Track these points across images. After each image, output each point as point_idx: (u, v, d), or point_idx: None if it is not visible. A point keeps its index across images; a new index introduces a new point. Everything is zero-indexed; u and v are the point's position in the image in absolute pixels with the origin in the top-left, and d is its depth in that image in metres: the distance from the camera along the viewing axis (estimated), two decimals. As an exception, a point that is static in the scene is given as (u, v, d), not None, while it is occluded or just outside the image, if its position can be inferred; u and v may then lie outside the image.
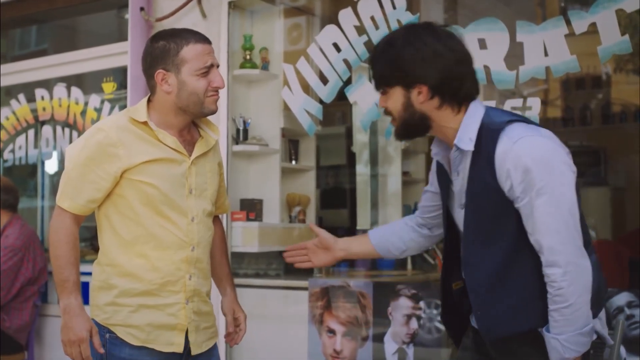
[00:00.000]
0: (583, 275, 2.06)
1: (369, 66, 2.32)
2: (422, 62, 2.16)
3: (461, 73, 2.20)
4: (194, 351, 2.67)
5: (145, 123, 2.59)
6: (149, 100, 2.67)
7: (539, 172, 2.06)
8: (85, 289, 2.75)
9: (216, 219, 2.91)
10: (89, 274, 2.76)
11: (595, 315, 2.15)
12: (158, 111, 2.63)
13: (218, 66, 2.64)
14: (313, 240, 2.65)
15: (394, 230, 2.63)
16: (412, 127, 2.25)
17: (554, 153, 2.10)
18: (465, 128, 2.19)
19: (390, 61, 2.20)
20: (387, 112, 2.29)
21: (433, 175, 2.46)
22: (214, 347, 2.80)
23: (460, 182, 2.24)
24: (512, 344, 2.20)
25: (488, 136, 2.14)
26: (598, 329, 2.19)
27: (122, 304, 2.61)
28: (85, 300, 2.66)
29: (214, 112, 2.65)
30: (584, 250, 2.09)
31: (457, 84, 2.19)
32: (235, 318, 2.87)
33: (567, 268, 2.04)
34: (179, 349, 2.63)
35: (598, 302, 2.19)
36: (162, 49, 2.57)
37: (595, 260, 2.18)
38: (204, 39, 2.61)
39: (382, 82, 2.25)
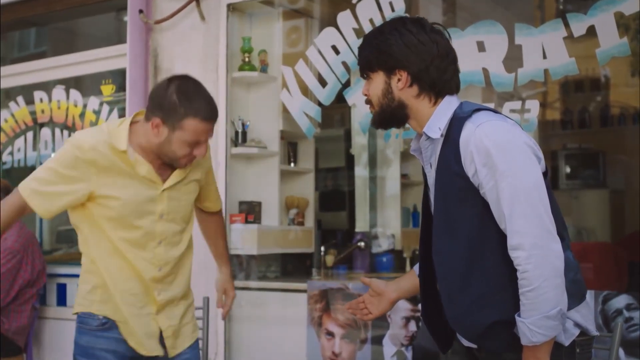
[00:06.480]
0: (550, 258, 2.02)
1: (357, 53, 2.35)
2: (405, 48, 2.20)
3: (442, 65, 2.23)
4: (171, 354, 2.83)
5: (124, 152, 2.66)
6: (133, 122, 2.72)
7: (501, 155, 2.06)
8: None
9: (216, 214, 3.13)
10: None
11: (571, 307, 2.14)
12: (140, 138, 2.68)
13: (211, 136, 2.71)
14: (368, 292, 2.62)
15: None
16: (390, 114, 2.28)
17: (516, 137, 2.11)
18: (437, 118, 2.22)
19: (376, 45, 2.25)
20: (367, 100, 2.32)
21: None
22: (192, 345, 2.92)
23: (433, 174, 2.26)
24: (501, 353, 2.19)
25: (456, 125, 2.17)
26: (579, 321, 2.18)
27: (106, 297, 2.77)
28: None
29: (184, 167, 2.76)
30: (554, 233, 2.05)
31: (437, 74, 2.22)
32: (225, 295, 3.14)
33: (531, 251, 2.02)
34: (159, 352, 2.81)
35: (578, 294, 2.18)
36: (172, 105, 2.60)
37: (570, 255, 2.16)
38: (210, 116, 2.64)
39: (366, 67, 2.29)
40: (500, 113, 2.25)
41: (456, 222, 2.18)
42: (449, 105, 2.23)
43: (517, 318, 2.08)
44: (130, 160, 2.66)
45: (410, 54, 2.20)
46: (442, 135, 2.20)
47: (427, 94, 2.24)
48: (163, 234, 2.76)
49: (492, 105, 3.60)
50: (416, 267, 2.62)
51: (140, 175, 2.68)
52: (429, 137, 2.23)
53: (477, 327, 2.18)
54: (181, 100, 2.59)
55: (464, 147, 2.12)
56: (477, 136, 2.09)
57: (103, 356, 2.75)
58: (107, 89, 5.16)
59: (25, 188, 2.69)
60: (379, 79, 2.26)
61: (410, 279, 2.60)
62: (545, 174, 2.16)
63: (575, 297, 2.15)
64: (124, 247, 2.72)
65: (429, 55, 2.21)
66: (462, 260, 2.17)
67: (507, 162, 2.06)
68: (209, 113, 2.63)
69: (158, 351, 2.79)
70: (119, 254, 2.73)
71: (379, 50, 2.24)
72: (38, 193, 2.66)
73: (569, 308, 2.12)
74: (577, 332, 2.17)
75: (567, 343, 2.15)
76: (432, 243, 2.30)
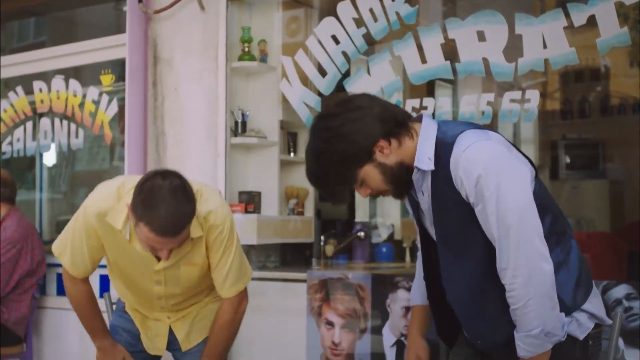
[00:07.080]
0: (537, 278, 2.04)
1: (325, 191, 2.33)
2: (356, 133, 2.17)
3: (384, 106, 2.23)
4: (184, 348, 2.98)
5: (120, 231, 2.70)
6: None
7: (488, 176, 2.06)
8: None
9: (223, 301, 2.93)
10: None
11: (584, 298, 2.16)
12: None
13: (175, 247, 2.61)
14: None
15: (419, 275, 2.62)
16: (400, 180, 2.24)
17: (501, 155, 2.11)
18: (422, 148, 2.19)
19: (337, 161, 2.19)
20: (377, 194, 2.28)
21: (407, 203, 2.44)
22: (205, 340, 2.98)
23: (426, 201, 2.25)
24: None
25: (443, 152, 2.16)
26: (593, 312, 2.18)
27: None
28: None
29: None
30: (544, 254, 2.06)
31: (390, 114, 2.20)
32: None
33: (516, 272, 2.04)
34: (159, 352, 3.02)
35: (586, 283, 2.19)
36: (136, 203, 2.51)
37: (575, 245, 2.20)
38: (161, 232, 2.47)
39: (350, 181, 2.24)
40: (482, 127, 2.24)
41: (461, 249, 2.19)
42: (427, 130, 2.21)
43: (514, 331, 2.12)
44: (125, 238, 2.69)
45: (363, 129, 2.17)
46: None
47: (403, 135, 2.21)
48: (161, 295, 2.86)
49: (492, 96, 3.61)
50: (412, 298, 2.69)
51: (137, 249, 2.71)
52: (419, 170, 2.21)
53: (496, 346, 2.23)
54: (144, 203, 2.47)
55: (454, 172, 2.12)
56: (464, 160, 2.09)
57: (120, 333, 3.00)
58: (107, 79, 5.15)
59: (59, 254, 2.85)
60: (368, 171, 2.21)
61: (419, 314, 2.67)
62: (536, 175, 2.18)
63: (585, 288, 2.17)
64: (129, 285, 2.91)
65: (370, 116, 2.18)
66: (471, 286, 2.20)
67: (493, 184, 2.06)
68: (161, 229, 2.46)
69: (158, 351, 3.01)
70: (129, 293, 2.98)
71: (344, 160, 2.19)
72: (70, 257, 2.83)
73: (584, 300, 2.15)
74: (591, 325, 2.17)
75: (581, 337, 2.16)
76: (439, 269, 2.31)
